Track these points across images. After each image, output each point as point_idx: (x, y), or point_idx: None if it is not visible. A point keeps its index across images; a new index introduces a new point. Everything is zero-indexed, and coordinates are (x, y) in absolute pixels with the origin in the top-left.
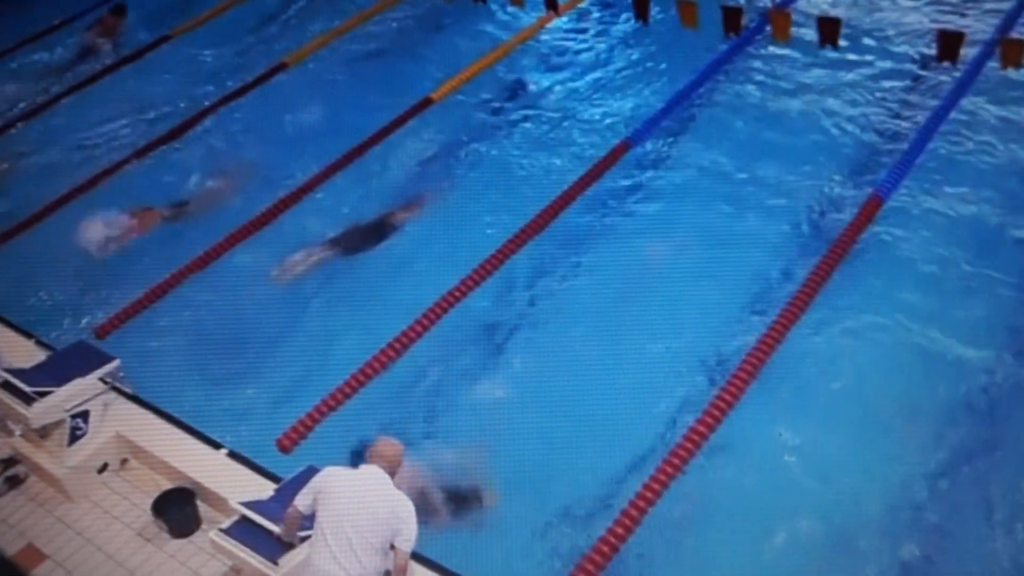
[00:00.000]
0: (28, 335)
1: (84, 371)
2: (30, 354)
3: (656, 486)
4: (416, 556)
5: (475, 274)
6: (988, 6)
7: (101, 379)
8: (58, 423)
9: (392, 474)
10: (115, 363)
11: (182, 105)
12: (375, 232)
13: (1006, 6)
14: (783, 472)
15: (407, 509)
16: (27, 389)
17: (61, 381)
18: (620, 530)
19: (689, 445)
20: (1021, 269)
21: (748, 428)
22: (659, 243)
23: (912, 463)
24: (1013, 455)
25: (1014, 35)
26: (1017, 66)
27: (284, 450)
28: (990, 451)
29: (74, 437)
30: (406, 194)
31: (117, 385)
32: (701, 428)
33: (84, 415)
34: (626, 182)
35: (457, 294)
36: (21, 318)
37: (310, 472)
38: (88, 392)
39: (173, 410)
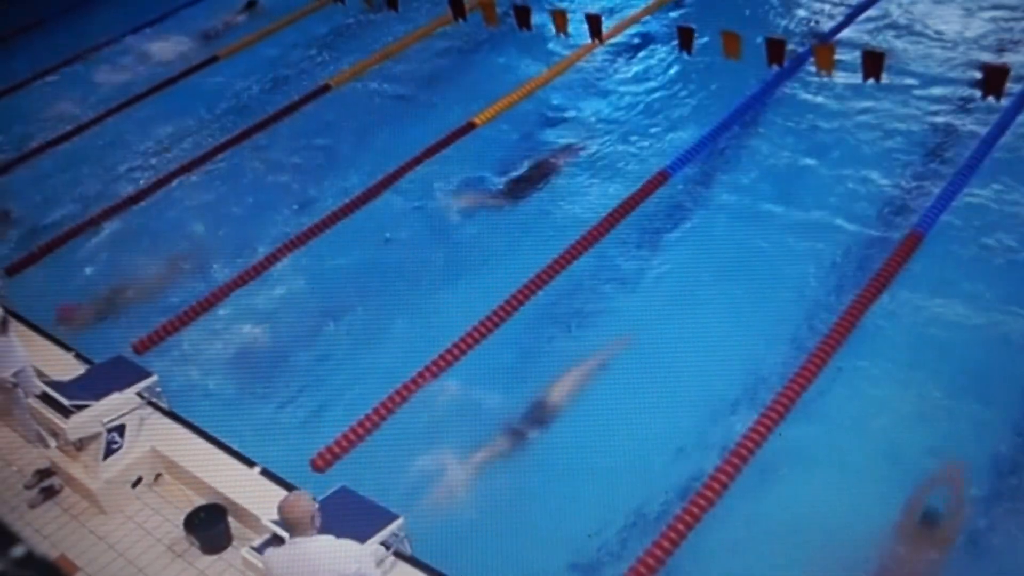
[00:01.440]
0: (67, 348)
1: (122, 386)
2: (69, 367)
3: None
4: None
5: (512, 300)
6: None
7: (138, 394)
8: (94, 436)
9: (315, 527)
10: (152, 378)
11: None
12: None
13: None
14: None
15: (348, 564)
16: (65, 402)
17: (99, 395)
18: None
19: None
20: None
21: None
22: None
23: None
24: None
25: None
26: None
27: (318, 470)
28: None
29: (110, 451)
30: (443, 218)
31: (153, 400)
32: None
33: (120, 429)
34: (664, 211)
35: (495, 319)
36: (61, 331)
37: (343, 493)
38: (125, 407)
39: (208, 427)
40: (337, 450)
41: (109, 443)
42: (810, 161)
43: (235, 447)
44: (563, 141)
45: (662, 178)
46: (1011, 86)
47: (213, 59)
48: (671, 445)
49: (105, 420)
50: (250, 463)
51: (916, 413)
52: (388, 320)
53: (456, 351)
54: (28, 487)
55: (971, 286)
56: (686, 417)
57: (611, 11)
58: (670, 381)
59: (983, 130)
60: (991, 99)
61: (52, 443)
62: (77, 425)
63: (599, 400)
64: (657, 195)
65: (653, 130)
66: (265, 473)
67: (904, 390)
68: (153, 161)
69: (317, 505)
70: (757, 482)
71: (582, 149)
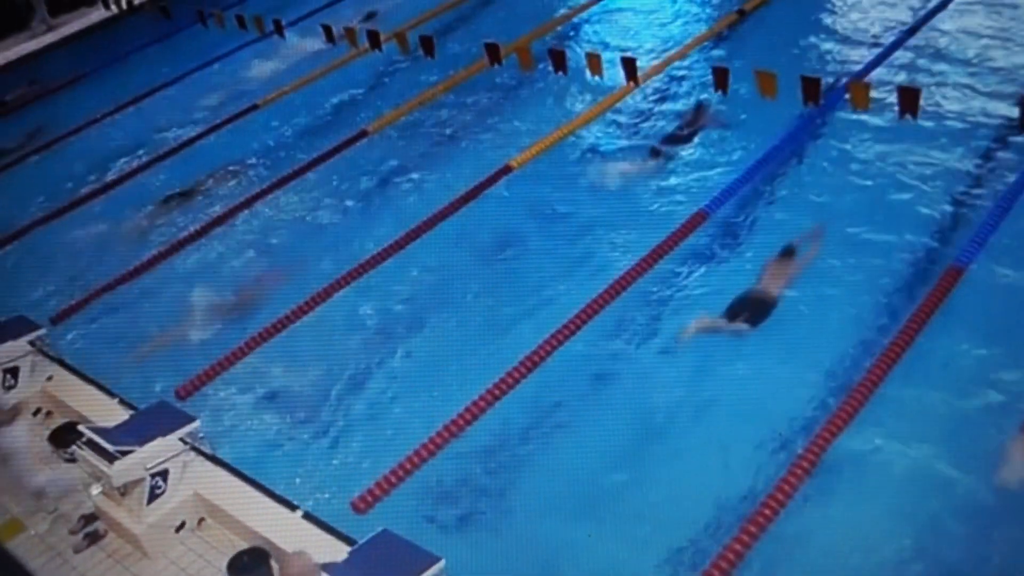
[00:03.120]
0: (112, 395)
1: (165, 431)
2: (113, 413)
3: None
4: None
5: (555, 337)
6: None
7: (181, 439)
8: (138, 481)
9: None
10: (195, 423)
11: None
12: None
13: None
14: None
15: None
16: (110, 448)
17: (143, 441)
18: None
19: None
20: None
21: None
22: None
23: None
24: None
25: None
26: None
27: (359, 512)
28: None
29: (153, 495)
30: (482, 257)
31: (196, 445)
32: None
33: (164, 474)
34: (703, 250)
35: (535, 358)
36: (106, 377)
37: (385, 536)
38: (168, 452)
39: (250, 470)
40: (378, 492)
41: (153, 488)
42: (847, 199)
43: (277, 491)
44: (597, 181)
45: (701, 218)
46: None
47: (253, 107)
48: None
49: (149, 465)
50: (292, 506)
51: None
52: (429, 361)
53: (499, 389)
54: (72, 532)
55: None
56: None
57: (648, 52)
58: None
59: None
60: None
61: (97, 488)
62: (121, 470)
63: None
64: (696, 233)
65: (688, 170)
66: (307, 516)
67: None
68: (191, 209)
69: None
70: None
71: (616, 188)
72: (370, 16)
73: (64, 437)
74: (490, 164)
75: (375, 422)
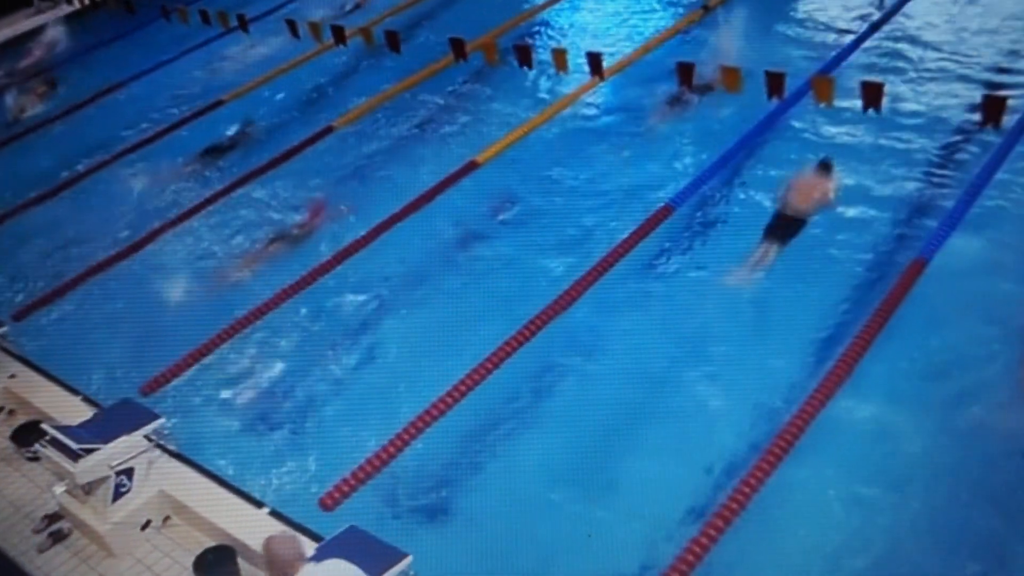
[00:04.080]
0: (75, 392)
1: (130, 429)
2: (77, 411)
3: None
4: None
5: (524, 331)
6: None
7: (146, 437)
8: (103, 479)
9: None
10: (160, 421)
11: None
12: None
13: None
14: None
15: None
16: (74, 446)
17: (107, 438)
18: None
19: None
20: None
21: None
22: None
23: None
24: None
25: None
26: None
27: (327, 509)
28: None
29: (118, 494)
30: (446, 255)
31: (161, 443)
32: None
33: (128, 472)
34: (668, 244)
35: (501, 354)
36: (69, 375)
37: (352, 532)
38: (133, 449)
39: (216, 468)
40: (346, 488)
41: (118, 486)
42: None
43: (243, 488)
44: (564, 178)
45: (666, 212)
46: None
47: (218, 103)
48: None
49: (113, 463)
50: (259, 504)
51: None
52: (395, 358)
53: (456, 394)
54: (37, 531)
55: None
56: None
57: (612, 47)
58: None
59: (983, 158)
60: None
61: (61, 486)
62: (86, 469)
63: (601, 431)
64: (662, 228)
65: (652, 165)
66: (274, 514)
67: None
68: (152, 207)
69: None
70: None
71: (582, 184)
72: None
73: (27, 436)
74: (456, 159)
75: (342, 419)
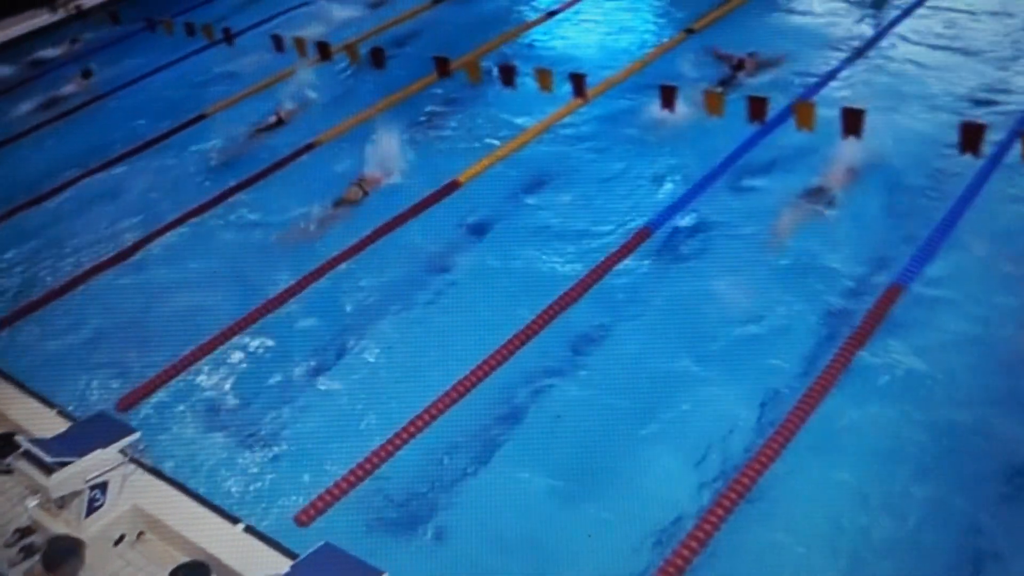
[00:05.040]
0: (50, 405)
1: (104, 443)
2: (52, 424)
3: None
4: None
5: (502, 351)
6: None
7: (121, 451)
8: (76, 494)
9: None
10: (135, 435)
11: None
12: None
13: None
14: None
15: None
16: (47, 459)
17: (81, 452)
18: None
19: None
20: None
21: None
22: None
23: None
24: None
25: None
26: None
27: (302, 525)
28: None
29: (92, 508)
30: (422, 279)
31: (137, 457)
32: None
33: (103, 486)
34: (647, 268)
35: (479, 372)
36: (44, 387)
37: (327, 549)
38: (108, 464)
39: (192, 483)
40: (321, 505)
41: (91, 500)
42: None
43: (218, 504)
44: (544, 198)
45: (645, 235)
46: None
47: (201, 117)
48: None
49: (87, 477)
50: (234, 519)
51: None
52: (371, 373)
53: (433, 410)
54: (8, 545)
55: None
56: None
57: (597, 69)
58: None
59: (961, 185)
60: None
61: (33, 500)
62: (59, 482)
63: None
64: (640, 250)
65: (634, 187)
66: (249, 530)
67: None
68: (136, 219)
69: None
70: None
71: (563, 204)
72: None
73: (0, 448)
74: (439, 178)
75: (318, 435)
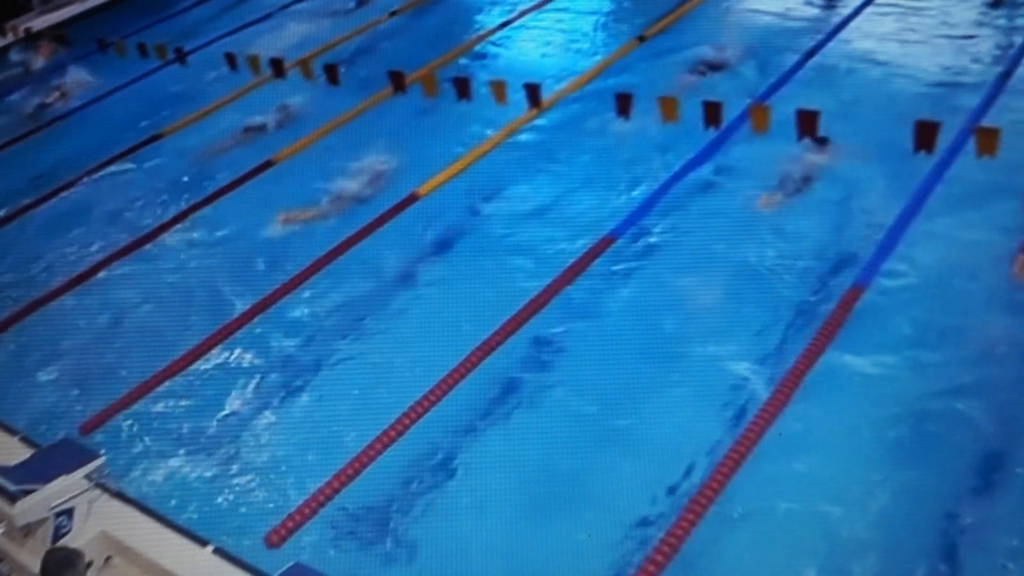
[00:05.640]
0: (12, 432)
1: (69, 468)
2: (14, 451)
3: None
4: None
5: (466, 363)
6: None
7: (86, 476)
8: (42, 521)
9: None
10: (100, 460)
11: None
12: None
13: (978, 99)
14: None
15: None
16: (11, 487)
17: (46, 479)
18: None
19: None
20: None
21: None
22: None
23: None
24: None
25: (986, 125)
26: (991, 154)
27: (273, 546)
28: None
29: (58, 535)
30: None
31: (102, 482)
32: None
33: (68, 512)
34: (612, 274)
35: (445, 386)
36: (4, 414)
37: (297, 569)
38: (73, 490)
39: (158, 506)
40: (291, 525)
41: (57, 527)
42: (755, 221)
43: (187, 526)
44: (503, 208)
45: (608, 242)
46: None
47: (156, 137)
48: None
49: (53, 504)
50: (203, 542)
51: None
52: (340, 390)
53: (399, 426)
54: None
55: None
56: None
57: (551, 78)
58: None
59: (917, 181)
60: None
61: None
62: (24, 511)
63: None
64: (604, 257)
65: (593, 195)
66: (218, 552)
67: None
68: (93, 242)
69: None
70: None
71: (522, 215)
72: None
73: None
74: (398, 192)
75: (286, 454)
